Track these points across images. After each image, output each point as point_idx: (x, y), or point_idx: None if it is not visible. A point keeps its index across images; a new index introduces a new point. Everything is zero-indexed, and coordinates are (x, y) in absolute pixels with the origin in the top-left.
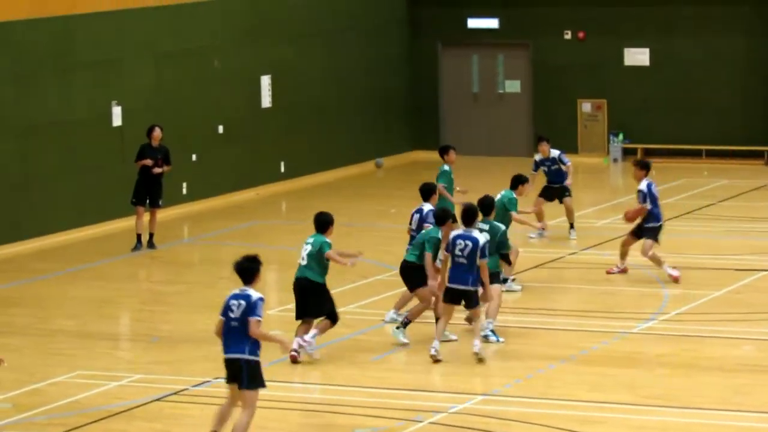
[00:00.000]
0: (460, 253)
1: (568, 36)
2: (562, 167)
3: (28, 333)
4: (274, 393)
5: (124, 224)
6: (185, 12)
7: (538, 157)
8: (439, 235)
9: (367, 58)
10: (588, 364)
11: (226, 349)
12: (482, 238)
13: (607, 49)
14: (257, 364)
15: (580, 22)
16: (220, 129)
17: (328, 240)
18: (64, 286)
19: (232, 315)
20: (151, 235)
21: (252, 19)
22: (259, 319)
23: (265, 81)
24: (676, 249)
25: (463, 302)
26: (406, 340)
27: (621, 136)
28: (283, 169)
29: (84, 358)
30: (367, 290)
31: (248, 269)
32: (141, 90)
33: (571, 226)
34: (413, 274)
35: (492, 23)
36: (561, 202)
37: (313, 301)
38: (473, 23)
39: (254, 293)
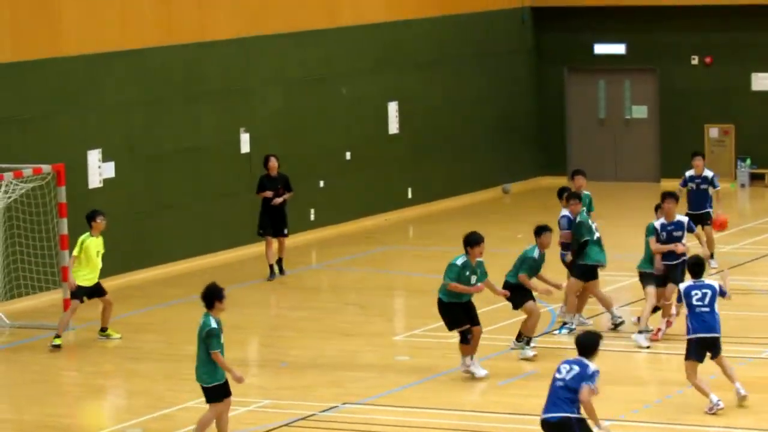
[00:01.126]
0: (699, 303)
1: (695, 61)
2: (711, 189)
3: (158, 359)
4: (407, 419)
5: (253, 251)
6: (312, 39)
7: (689, 172)
8: (535, 255)
9: (494, 84)
10: (717, 390)
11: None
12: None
13: (735, 74)
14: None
15: (707, 47)
16: (348, 155)
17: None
18: (192, 313)
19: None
20: (279, 260)
21: (378, 46)
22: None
23: (393, 107)
24: None
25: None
26: (532, 353)
27: (748, 161)
28: (410, 195)
29: None
30: (494, 316)
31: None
32: (269, 117)
33: (711, 256)
34: (513, 293)
35: (619, 49)
36: (703, 228)
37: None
38: (600, 49)
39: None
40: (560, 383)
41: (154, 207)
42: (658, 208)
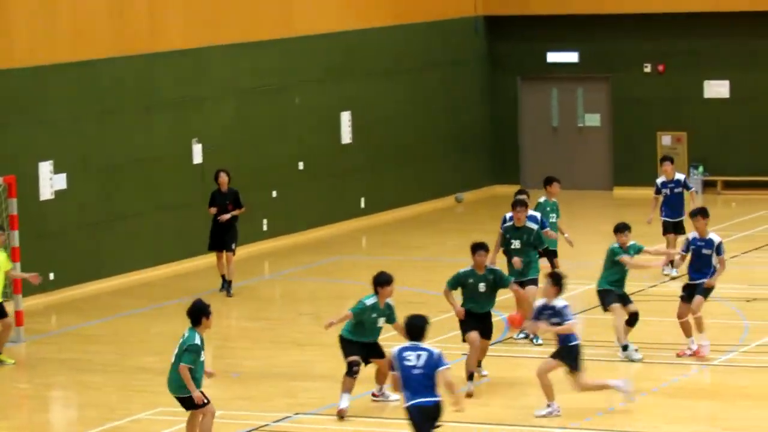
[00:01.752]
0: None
1: (647, 69)
2: (686, 192)
3: (110, 370)
4: (360, 428)
5: (205, 261)
6: (266, 49)
7: (660, 179)
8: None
9: (447, 93)
10: (669, 396)
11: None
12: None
13: (687, 82)
14: None
15: (659, 55)
16: (301, 165)
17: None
18: (146, 323)
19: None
20: (228, 282)
21: (332, 55)
22: None
23: (345, 117)
24: (754, 281)
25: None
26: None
27: (701, 169)
28: (363, 205)
29: (166, 394)
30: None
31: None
32: (221, 127)
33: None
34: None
35: (572, 57)
36: (676, 236)
37: None
38: (553, 57)
39: None
40: (419, 371)
41: (106, 218)
42: (619, 230)
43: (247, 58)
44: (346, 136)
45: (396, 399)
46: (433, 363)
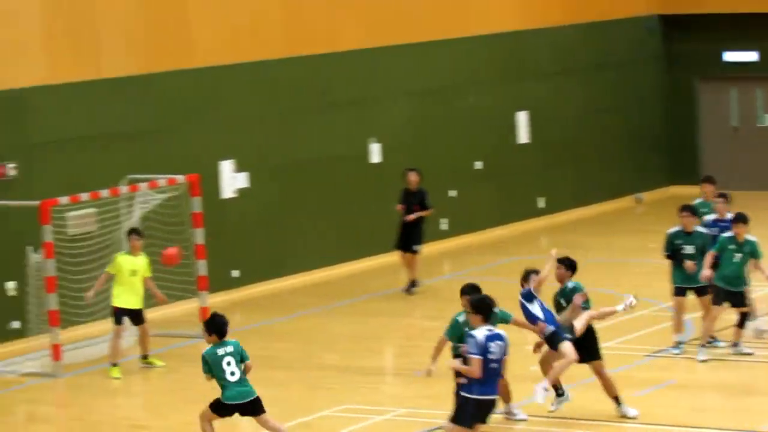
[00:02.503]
0: None
1: None
2: None
3: (294, 367)
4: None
5: (384, 260)
6: (441, 49)
7: None
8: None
9: (623, 93)
10: None
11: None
12: None
13: None
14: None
15: None
16: (478, 165)
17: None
18: (327, 321)
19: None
20: (411, 282)
21: (506, 55)
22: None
23: (522, 117)
24: None
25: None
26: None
27: None
28: (541, 205)
29: (349, 392)
30: (630, 326)
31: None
32: (398, 127)
33: None
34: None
35: (751, 56)
36: None
37: None
38: (731, 56)
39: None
40: (496, 365)
41: (287, 216)
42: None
43: (423, 57)
44: (523, 136)
45: (525, 418)
46: (505, 351)
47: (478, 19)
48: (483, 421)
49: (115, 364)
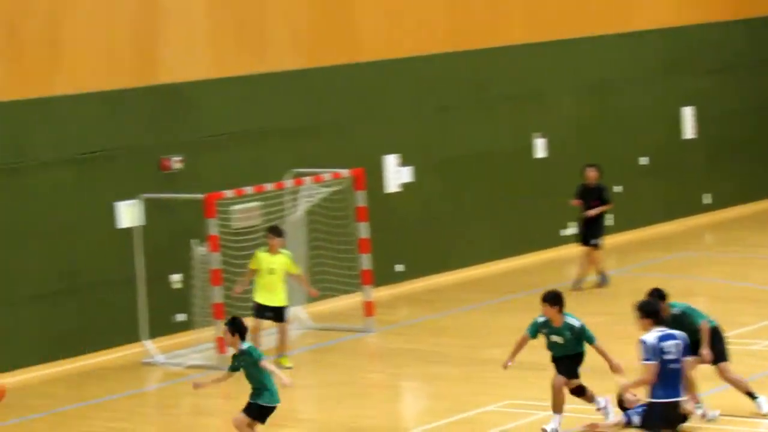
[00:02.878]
0: None
1: None
2: None
3: (457, 362)
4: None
5: (547, 256)
6: (605, 44)
7: None
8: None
9: None
10: None
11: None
12: None
13: None
14: None
15: None
16: (643, 161)
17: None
18: (491, 316)
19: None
20: (602, 276)
21: (672, 51)
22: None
23: (687, 112)
24: None
25: None
26: None
27: None
28: (707, 201)
29: (514, 387)
30: None
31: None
32: (563, 122)
33: None
34: None
35: None
36: None
37: None
38: None
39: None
40: (676, 365)
41: (451, 211)
42: None
43: (588, 52)
44: (689, 131)
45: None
46: (683, 351)
47: (643, 14)
48: (672, 426)
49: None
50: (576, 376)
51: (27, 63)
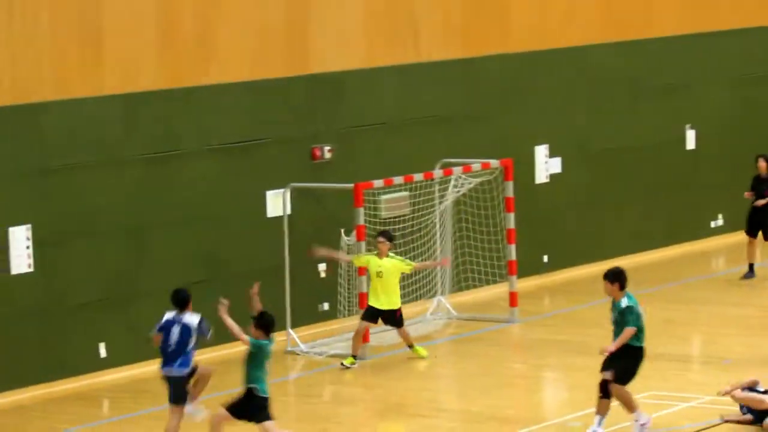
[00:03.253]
0: None
1: None
2: None
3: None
4: None
5: (696, 247)
6: (758, 35)
7: None
8: None
9: None
10: None
11: None
12: None
13: None
14: None
15: None
16: None
17: None
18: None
19: None
20: (750, 266)
21: None
22: None
23: None
24: None
25: None
26: None
27: None
28: None
29: (656, 378)
30: None
31: None
32: (714, 114)
33: None
34: None
35: None
36: None
37: None
38: None
39: None
40: None
41: (598, 203)
42: None
43: (740, 44)
44: None
45: None
46: None
47: None
48: None
49: (354, 356)
50: (608, 367)
51: (179, 52)
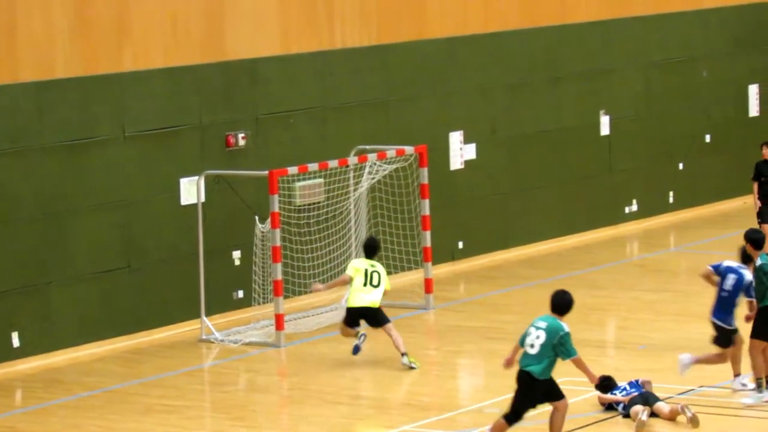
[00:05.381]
0: None
1: None
2: None
3: (516, 339)
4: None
5: (611, 233)
6: (673, 21)
7: None
8: None
9: None
10: None
11: None
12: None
13: None
14: None
15: None
16: (707, 138)
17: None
18: (551, 293)
19: None
20: None
21: (739, 27)
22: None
23: (753, 90)
24: None
25: None
26: None
27: None
28: None
29: (570, 364)
30: None
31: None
32: (629, 99)
33: None
34: None
35: None
36: None
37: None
38: None
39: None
40: None
41: (514, 188)
42: None
43: (656, 30)
44: (754, 109)
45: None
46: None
47: None
48: None
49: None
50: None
51: (93, 40)
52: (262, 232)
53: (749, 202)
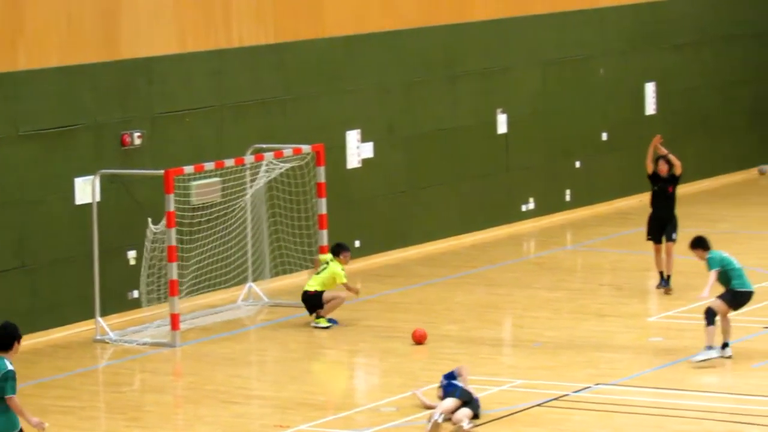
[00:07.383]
0: None
1: None
2: None
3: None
4: (660, 400)
5: (506, 231)
6: (570, 20)
7: None
8: None
9: (754, 64)
10: None
11: None
12: None
13: None
14: None
15: None
16: (604, 136)
17: None
18: (449, 292)
19: None
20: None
21: (636, 26)
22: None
23: (650, 88)
24: None
25: None
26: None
27: None
28: None
29: (468, 362)
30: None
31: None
32: (526, 98)
33: None
34: None
35: None
36: None
37: None
38: None
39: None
40: None
41: (412, 187)
42: None
43: (553, 28)
44: (650, 107)
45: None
46: None
47: None
48: None
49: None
50: None
51: None
52: (154, 234)
53: (645, 200)
